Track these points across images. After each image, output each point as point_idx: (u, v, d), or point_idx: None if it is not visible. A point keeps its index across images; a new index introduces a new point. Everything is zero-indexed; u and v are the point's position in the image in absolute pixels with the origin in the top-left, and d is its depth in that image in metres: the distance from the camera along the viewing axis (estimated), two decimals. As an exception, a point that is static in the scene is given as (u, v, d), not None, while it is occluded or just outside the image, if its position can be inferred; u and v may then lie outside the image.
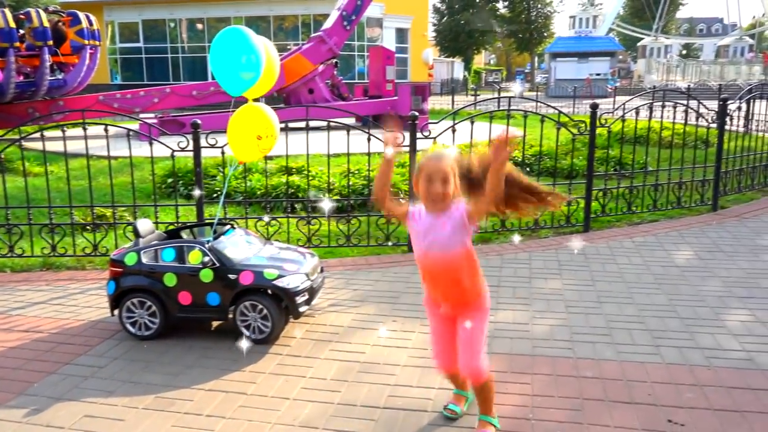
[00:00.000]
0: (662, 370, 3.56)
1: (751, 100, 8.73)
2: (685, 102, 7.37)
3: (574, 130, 6.64)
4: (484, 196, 2.66)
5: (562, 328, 4.18)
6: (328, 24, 19.56)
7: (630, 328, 4.16)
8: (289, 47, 29.65)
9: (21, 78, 15.64)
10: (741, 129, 8.31)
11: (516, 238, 6.29)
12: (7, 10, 15.01)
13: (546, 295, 4.79)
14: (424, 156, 2.85)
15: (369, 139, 5.96)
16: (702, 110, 7.40)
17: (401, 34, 39.31)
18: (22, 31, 15.64)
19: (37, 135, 6.07)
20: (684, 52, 68.22)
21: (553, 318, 4.35)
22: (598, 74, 37.31)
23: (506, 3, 55.44)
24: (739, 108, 8.21)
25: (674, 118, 7.44)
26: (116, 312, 4.16)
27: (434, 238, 2.77)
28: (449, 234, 2.76)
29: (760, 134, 8.81)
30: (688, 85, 25.21)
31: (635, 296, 4.74)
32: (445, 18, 53.61)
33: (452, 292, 2.87)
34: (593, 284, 5.02)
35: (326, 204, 5.84)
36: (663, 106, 7.43)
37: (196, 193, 5.70)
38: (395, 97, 18.86)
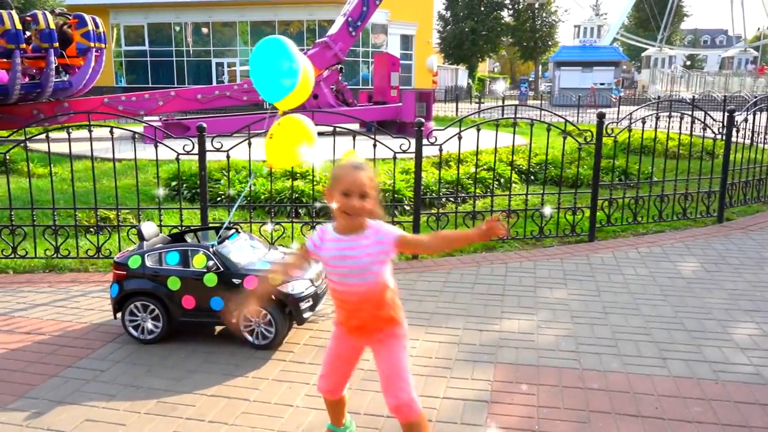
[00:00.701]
0: (669, 383, 3.53)
1: (757, 112, 8.71)
2: (690, 113, 7.35)
3: (580, 139, 6.62)
4: (420, 245, 2.64)
5: (568, 338, 4.15)
6: (333, 30, 19.60)
7: (636, 339, 4.12)
8: (294, 52, 29.66)
9: (26, 79, 15.69)
10: (747, 141, 8.28)
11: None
12: (13, 12, 15.07)
13: (551, 305, 4.76)
14: (337, 165, 2.55)
15: (375, 145, 5.94)
16: (708, 121, 7.37)
17: (406, 41, 39.40)
18: (28, 33, 15.70)
19: (42, 136, 6.05)
20: (688, 63, 68.27)
21: (559, 328, 4.32)
22: (602, 84, 37.30)
23: (511, 11, 55.57)
24: (746, 120, 8.19)
25: (680, 128, 7.42)
26: (119, 315, 4.14)
27: (352, 265, 2.50)
28: (370, 261, 2.49)
29: (767, 146, 8.78)
30: (693, 96, 25.19)
31: (641, 307, 4.70)
32: (449, 25, 53.75)
33: (371, 322, 2.60)
34: (599, 294, 4.98)
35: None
36: (669, 117, 7.41)
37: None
38: (399, 104, 18.87)
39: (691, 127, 7.41)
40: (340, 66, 19.61)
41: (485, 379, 3.57)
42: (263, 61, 3.78)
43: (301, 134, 4.08)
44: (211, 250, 4.01)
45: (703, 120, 7.31)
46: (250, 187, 5.48)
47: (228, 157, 5.89)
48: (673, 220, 7.21)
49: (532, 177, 9.24)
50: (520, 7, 54.45)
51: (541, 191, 6.75)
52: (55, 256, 5.85)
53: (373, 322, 2.61)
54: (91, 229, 6.32)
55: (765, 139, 9.11)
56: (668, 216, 7.19)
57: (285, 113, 4.22)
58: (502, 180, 8.70)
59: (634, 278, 5.38)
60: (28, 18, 15.59)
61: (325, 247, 2.57)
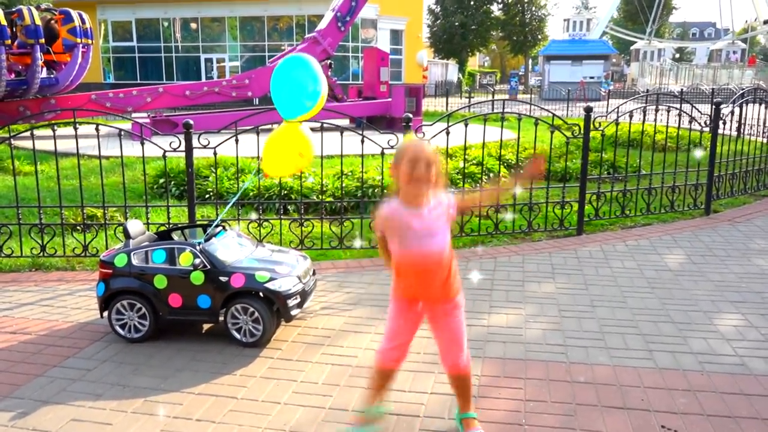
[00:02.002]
0: (655, 375, 3.55)
1: (744, 105, 8.76)
2: (678, 105, 7.38)
3: (568, 133, 6.63)
4: (474, 202, 2.75)
5: (555, 332, 4.17)
6: (322, 25, 19.53)
7: (623, 332, 4.14)
8: (283, 48, 29.64)
9: (12, 76, 15.52)
10: (734, 133, 8.34)
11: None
12: (-2, 8, 14.90)
13: (539, 299, 4.78)
14: (402, 144, 2.79)
15: (362, 141, 5.93)
16: (695, 114, 7.41)
17: (396, 36, 39.30)
18: (14, 30, 15.53)
19: (27, 134, 5.99)
20: (677, 55, 68.57)
21: (547, 322, 4.34)
22: (591, 77, 37.40)
23: (501, 5, 55.57)
24: (732, 112, 8.24)
25: (668, 121, 7.46)
26: (106, 314, 4.11)
27: (429, 232, 2.70)
28: (443, 228, 2.73)
29: (753, 139, 8.84)
30: (681, 89, 25.30)
31: (629, 300, 4.73)
32: (439, 20, 53.68)
33: (439, 288, 2.81)
34: (586, 288, 5.01)
35: None
36: (656, 110, 7.44)
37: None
38: (389, 99, 18.85)
39: (679, 120, 7.45)
40: (329, 61, 19.54)
41: (473, 374, 3.56)
42: (289, 77, 3.76)
43: (300, 144, 4.07)
44: (197, 247, 3.99)
45: (689, 113, 7.34)
46: (257, 180, 5.50)
47: (215, 154, 5.86)
48: (661, 212, 7.25)
49: (522, 171, 9.25)
50: (509, 1, 54.46)
51: (530, 185, 6.76)
52: (41, 254, 5.81)
53: (443, 285, 2.80)
54: (78, 228, 6.27)
55: (751, 131, 9.16)
56: (656, 209, 7.23)
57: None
58: (491, 174, 8.72)
59: (622, 271, 5.41)
60: (14, 14, 15.41)
61: (396, 217, 2.72)
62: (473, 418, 2.99)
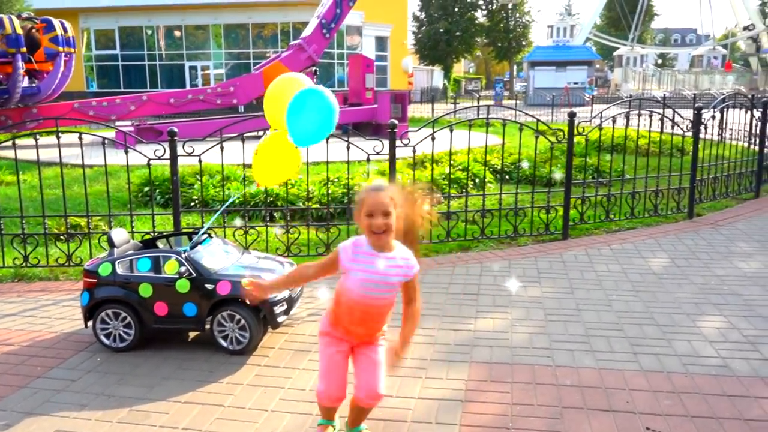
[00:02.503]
0: (640, 377, 3.58)
1: (725, 109, 8.89)
2: (660, 111, 7.48)
3: (553, 139, 6.69)
4: (411, 303, 2.76)
5: (542, 335, 4.19)
6: (307, 32, 19.58)
7: (608, 335, 4.18)
8: (268, 55, 29.64)
9: (-6, 85, 15.40)
10: (716, 137, 8.45)
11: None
12: (-21, 17, 14.77)
13: (525, 303, 4.81)
14: (363, 189, 2.71)
15: (348, 148, 5.94)
16: (677, 119, 7.51)
17: (381, 42, 39.47)
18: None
19: (10, 143, 5.94)
20: (659, 61, 69.38)
21: (533, 326, 4.36)
22: (575, 83, 37.77)
23: (485, 12, 55.95)
24: (713, 117, 8.35)
25: (650, 126, 7.55)
26: (90, 323, 4.08)
27: (377, 280, 2.65)
28: (393, 282, 2.67)
29: (734, 143, 8.97)
30: (664, 94, 25.62)
31: (614, 303, 4.77)
32: (424, 26, 53.91)
33: (372, 330, 2.80)
34: (572, 292, 5.04)
35: None
36: (639, 115, 7.53)
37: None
38: (375, 105, 18.90)
39: (661, 124, 7.54)
40: (314, 68, 19.57)
41: (460, 379, 3.59)
42: (311, 112, 3.75)
43: (288, 153, 4.09)
44: (183, 255, 3.97)
45: (671, 118, 7.44)
46: (243, 189, 5.54)
47: (200, 161, 5.84)
48: (645, 216, 7.33)
49: (507, 176, 9.31)
50: (493, 7, 54.84)
51: (515, 190, 6.81)
52: (24, 264, 5.74)
53: (376, 328, 2.81)
54: (62, 237, 6.22)
55: (732, 135, 9.30)
56: (640, 213, 7.31)
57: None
58: (477, 180, 8.76)
59: (607, 275, 5.45)
60: (-5, 23, 15.29)
61: (358, 260, 2.68)
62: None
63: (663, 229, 7.06)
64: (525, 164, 8.67)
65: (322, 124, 3.81)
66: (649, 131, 7.78)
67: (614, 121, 7.06)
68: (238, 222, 6.33)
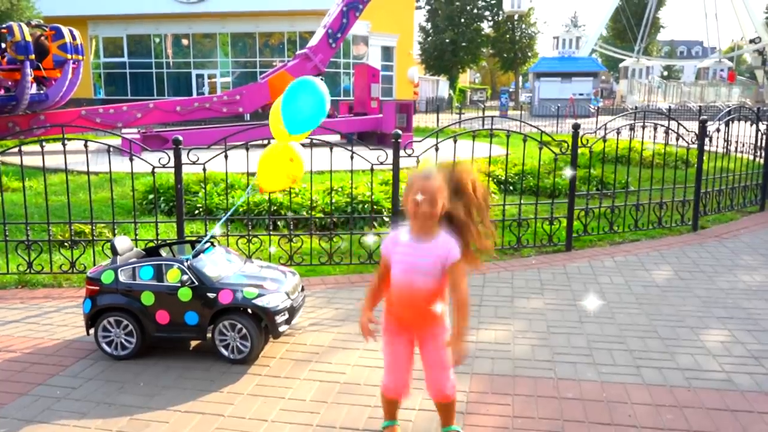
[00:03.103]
0: (643, 391, 3.56)
1: (730, 122, 8.87)
2: (666, 123, 7.47)
3: (557, 150, 6.69)
4: (458, 289, 2.76)
5: (544, 348, 4.17)
6: (313, 41, 19.66)
7: (611, 348, 4.16)
8: (274, 64, 29.78)
9: (2, 92, 15.51)
10: (721, 150, 8.43)
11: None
12: (-12, 24, 14.90)
13: (528, 315, 4.79)
14: (414, 173, 2.83)
15: (352, 157, 5.95)
16: (682, 131, 7.50)
17: (387, 52, 39.60)
18: (3, 45, 15.53)
19: (16, 150, 5.97)
20: (665, 73, 69.40)
21: (535, 338, 4.34)
22: (581, 94, 37.78)
23: (491, 23, 56.14)
24: (718, 129, 8.34)
25: (655, 138, 7.54)
26: (92, 331, 4.08)
27: (419, 264, 2.75)
28: (432, 264, 2.74)
29: (739, 155, 8.95)
30: (669, 106, 25.60)
31: (617, 316, 4.75)
32: (430, 37, 54.12)
33: (424, 319, 2.86)
34: (575, 304, 5.02)
35: None
36: (644, 127, 7.52)
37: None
38: (380, 115, 18.94)
39: (666, 137, 7.53)
40: (320, 77, 19.62)
41: (461, 390, 3.57)
42: (302, 98, 3.92)
43: (292, 159, 4.12)
44: (185, 264, 3.98)
45: (676, 130, 7.43)
46: (247, 197, 5.61)
47: (204, 170, 5.86)
48: (649, 228, 7.30)
49: (510, 187, 9.31)
50: (499, 18, 55.03)
51: (519, 201, 6.80)
52: (28, 271, 5.76)
53: (428, 317, 2.84)
54: (66, 244, 6.24)
55: (738, 148, 9.28)
56: (644, 225, 7.28)
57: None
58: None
59: (610, 287, 5.43)
60: (4, 30, 15.41)
61: (398, 251, 2.81)
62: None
63: (667, 241, 7.04)
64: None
65: (315, 109, 3.90)
66: (654, 143, 7.76)
67: (619, 133, 7.06)
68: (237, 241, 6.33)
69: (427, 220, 2.72)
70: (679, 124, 7.53)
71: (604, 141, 7.16)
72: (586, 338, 4.32)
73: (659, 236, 7.24)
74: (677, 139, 7.63)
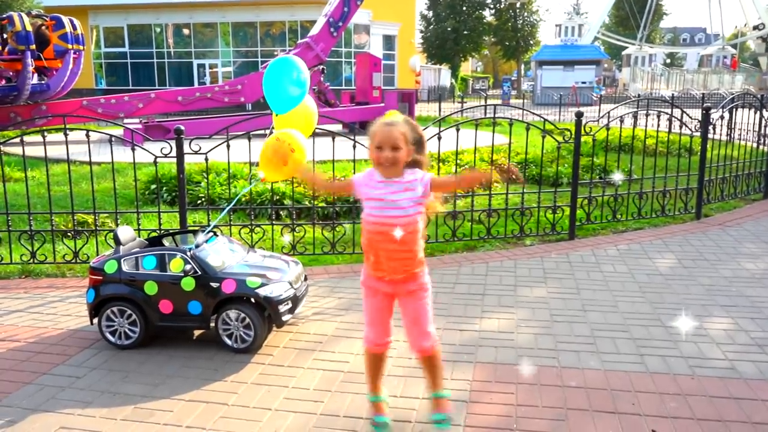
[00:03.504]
0: (646, 379, 3.56)
1: (734, 109, 8.82)
2: (669, 111, 7.43)
3: (560, 138, 6.66)
4: (450, 184, 3.18)
5: (547, 336, 4.17)
6: (314, 30, 19.57)
7: (614, 336, 4.15)
8: (276, 53, 29.65)
9: (3, 82, 15.49)
10: (724, 138, 8.39)
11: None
12: (-11, 14, 14.85)
13: (531, 304, 4.79)
14: (374, 123, 2.90)
15: (354, 146, 5.93)
16: (685, 119, 7.46)
17: (388, 41, 39.43)
18: (4, 36, 15.48)
19: (18, 140, 5.96)
20: (668, 61, 69.02)
21: (538, 326, 4.34)
22: (583, 82, 37.62)
23: (493, 11, 55.82)
24: (722, 117, 8.29)
25: (658, 126, 7.50)
26: (95, 321, 4.09)
27: (391, 201, 2.83)
28: (406, 200, 2.83)
29: (743, 143, 8.91)
30: (672, 94, 25.48)
31: (620, 304, 4.74)
32: (431, 25, 53.87)
33: (401, 262, 2.89)
34: (578, 292, 5.02)
35: None
36: (647, 115, 7.48)
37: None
38: (382, 104, 18.88)
39: (669, 125, 7.49)
40: (321, 67, 19.57)
41: (464, 379, 3.58)
42: (275, 74, 3.91)
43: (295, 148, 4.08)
44: (188, 253, 3.98)
45: (679, 118, 7.39)
46: (251, 186, 5.62)
47: (206, 159, 5.84)
48: (652, 217, 7.28)
49: (513, 176, 9.28)
50: (501, 6, 54.71)
51: (522, 190, 6.78)
52: (31, 261, 5.77)
53: (405, 259, 2.88)
54: (69, 234, 6.24)
55: (741, 135, 9.23)
56: (647, 213, 7.26)
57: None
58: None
59: (614, 275, 5.42)
60: (4, 20, 15.36)
61: (370, 185, 2.88)
62: (445, 398, 3.08)
63: (670, 229, 7.02)
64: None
65: (294, 84, 3.88)
66: (657, 131, 7.71)
67: (622, 121, 7.02)
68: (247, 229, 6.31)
69: (392, 166, 2.82)
70: (682, 111, 7.49)
71: (607, 129, 7.13)
72: (590, 327, 4.32)
73: (662, 225, 7.22)
74: (680, 127, 7.59)
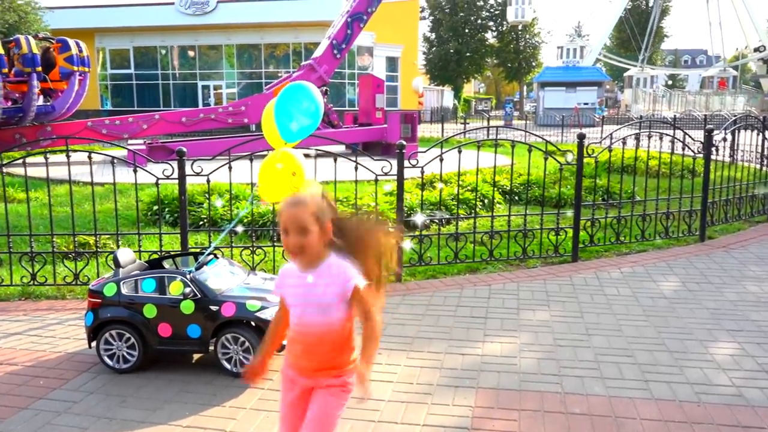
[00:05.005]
0: (651, 406, 3.50)
1: (737, 131, 8.82)
2: (670, 132, 7.42)
3: (562, 159, 6.65)
4: (368, 315, 2.33)
5: (550, 361, 4.11)
6: (318, 52, 19.74)
7: (619, 361, 4.09)
8: (279, 75, 29.90)
9: (9, 104, 15.57)
10: (727, 159, 8.37)
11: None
12: (-4, 37, 15.02)
13: (534, 327, 4.73)
14: (283, 201, 2.37)
15: (356, 168, 5.93)
16: (688, 140, 7.45)
17: (392, 63, 39.72)
18: (12, 58, 15.63)
19: (21, 161, 5.97)
20: (669, 82, 69.35)
21: (541, 351, 4.29)
22: (585, 103, 37.78)
23: (495, 33, 56.27)
24: (725, 139, 8.28)
25: (661, 147, 7.49)
26: (94, 344, 4.05)
27: (308, 299, 2.33)
28: (326, 297, 2.31)
29: (746, 164, 8.89)
30: (674, 115, 25.54)
31: (624, 328, 4.68)
32: (434, 47, 54.28)
33: (319, 365, 2.38)
34: (581, 316, 4.96)
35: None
36: (650, 136, 7.48)
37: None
38: (384, 125, 18.96)
39: (672, 146, 7.48)
40: (325, 88, 19.70)
41: (466, 405, 3.53)
42: (288, 101, 3.83)
43: (293, 167, 4.08)
44: (188, 276, 3.95)
45: (682, 140, 7.38)
46: (251, 207, 5.60)
47: (208, 181, 5.84)
48: (656, 239, 7.23)
49: (516, 197, 9.26)
50: (503, 29, 55.16)
51: (524, 211, 6.76)
52: (31, 283, 5.74)
53: (327, 363, 2.38)
54: (70, 255, 6.22)
55: (744, 157, 9.22)
56: (651, 235, 7.22)
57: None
58: (485, 201, 8.71)
59: (617, 299, 5.37)
60: (11, 43, 15.53)
61: (287, 284, 2.41)
62: None
63: (674, 252, 6.97)
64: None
65: (310, 115, 3.82)
66: (660, 152, 7.70)
67: (624, 143, 7.02)
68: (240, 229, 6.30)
69: (301, 255, 2.30)
70: (684, 133, 7.49)
71: (610, 151, 7.12)
72: (594, 351, 4.26)
73: (666, 247, 7.17)
74: (683, 149, 7.58)
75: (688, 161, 8.00)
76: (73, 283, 5.78)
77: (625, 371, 3.94)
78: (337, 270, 2.31)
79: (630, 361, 4.09)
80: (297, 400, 2.46)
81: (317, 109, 3.89)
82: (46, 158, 5.80)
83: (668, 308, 5.12)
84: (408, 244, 6.18)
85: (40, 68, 15.53)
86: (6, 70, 15.09)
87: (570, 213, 6.90)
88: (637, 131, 7.62)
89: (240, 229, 6.84)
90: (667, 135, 7.43)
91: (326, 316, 2.33)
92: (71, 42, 16.56)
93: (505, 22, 53.22)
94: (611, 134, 7.24)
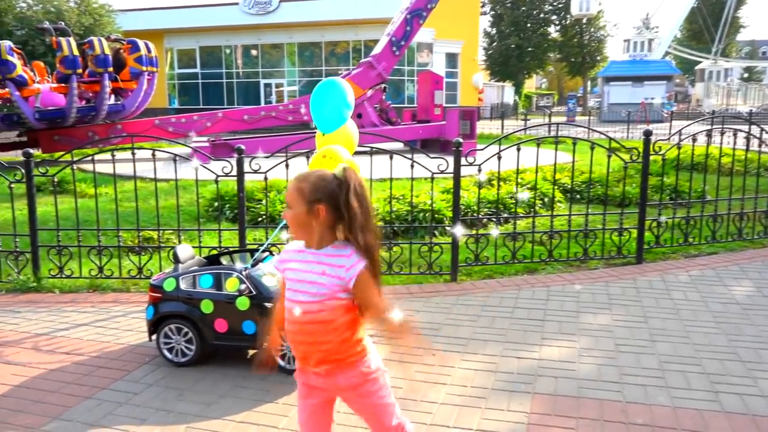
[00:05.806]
0: (721, 419, 3.29)
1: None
2: (745, 128, 7.02)
3: (626, 157, 6.39)
4: (376, 308, 2.17)
5: (611, 367, 3.95)
6: (377, 49, 19.76)
7: (685, 370, 3.89)
8: (339, 72, 30.15)
9: (83, 103, 16.35)
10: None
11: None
12: (71, 39, 15.77)
13: (594, 331, 4.56)
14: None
15: (412, 165, 5.88)
16: (764, 137, 7.02)
17: (451, 59, 39.40)
18: (86, 59, 16.37)
19: (90, 158, 6.22)
20: (746, 75, 65.93)
21: (602, 356, 4.12)
22: (653, 98, 36.39)
23: (558, 27, 55.00)
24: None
25: (735, 144, 7.09)
26: (154, 337, 4.16)
27: (301, 278, 2.21)
28: (322, 279, 2.17)
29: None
30: (750, 110, 24.23)
31: (692, 335, 4.45)
32: (495, 42, 53.56)
33: (317, 352, 2.24)
34: (645, 321, 4.75)
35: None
36: (722, 132, 7.09)
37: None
38: (443, 122, 18.81)
39: (747, 142, 7.08)
40: (383, 85, 19.72)
41: (522, 411, 3.42)
42: (322, 96, 3.96)
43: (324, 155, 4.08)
44: (243, 273, 4.00)
45: (758, 136, 6.97)
46: (273, 236, 5.69)
47: (266, 178, 5.92)
48: (728, 241, 6.86)
49: (577, 196, 8.99)
50: (567, 22, 53.85)
51: (586, 211, 6.53)
52: (98, 275, 5.97)
53: (331, 353, 2.23)
54: (134, 249, 6.44)
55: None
56: (722, 237, 6.85)
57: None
58: (545, 199, 8.49)
59: (685, 303, 5.11)
60: (85, 45, 16.27)
61: (285, 259, 2.29)
62: None
63: (748, 254, 6.59)
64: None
65: (338, 104, 3.91)
66: (734, 149, 7.29)
67: (695, 140, 6.68)
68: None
69: (298, 229, 2.20)
70: (761, 128, 7.06)
71: (679, 148, 6.79)
72: (658, 359, 4.06)
73: (739, 249, 6.79)
74: (759, 145, 7.15)
75: (765, 159, 7.54)
76: (137, 276, 5.98)
77: (693, 381, 3.73)
78: (336, 253, 2.17)
79: (698, 370, 3.87)
80: (318, 407, 2.36)
81: (343, 98, 3.92)
82: (113, 155, 6.01)
83: (741, 314, 4.83)
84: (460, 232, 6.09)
85: (111, 69, 16.21)
86: (81, 71, 15.84)
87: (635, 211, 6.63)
88: (709, 127, 7.25)
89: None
90: (741, 131, 7.03)
91: (319, 296, 2.17)
92: (141, 43, 17.21)
93: (568, 16, 51.97)
94: (680, 130, 6.91)
